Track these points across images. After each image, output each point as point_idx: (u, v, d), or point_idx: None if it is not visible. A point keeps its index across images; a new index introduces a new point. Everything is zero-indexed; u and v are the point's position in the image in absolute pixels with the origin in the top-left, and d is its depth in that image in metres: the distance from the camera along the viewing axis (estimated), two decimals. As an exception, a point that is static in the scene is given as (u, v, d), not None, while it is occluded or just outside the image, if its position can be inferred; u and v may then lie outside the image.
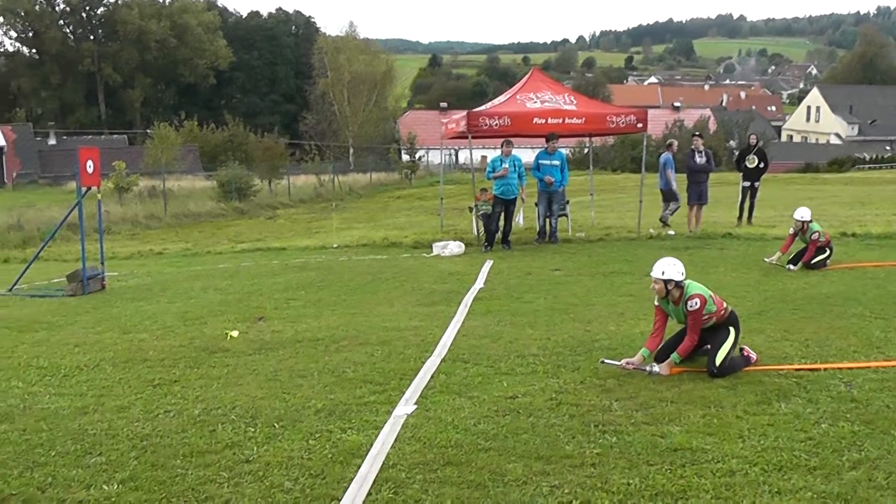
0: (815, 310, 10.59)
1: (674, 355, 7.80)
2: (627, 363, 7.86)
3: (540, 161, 18.94)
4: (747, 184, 21.16)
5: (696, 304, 7.75)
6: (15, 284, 15.25)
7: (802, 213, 14.15)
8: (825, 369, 7.70)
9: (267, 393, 7.57)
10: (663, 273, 7.86)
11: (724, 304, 8.05)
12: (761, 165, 21.16)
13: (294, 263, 17.57)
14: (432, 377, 7.88)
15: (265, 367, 8.56)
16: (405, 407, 6.96)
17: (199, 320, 11.40)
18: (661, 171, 20.53)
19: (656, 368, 7.75)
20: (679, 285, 7.86)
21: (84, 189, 15.05)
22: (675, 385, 7.36)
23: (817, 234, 13.95)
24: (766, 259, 14.54)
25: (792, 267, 13.95)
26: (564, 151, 20.13)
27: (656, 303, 8.11)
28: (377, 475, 5.57)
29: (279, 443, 6.26)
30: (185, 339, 10.19)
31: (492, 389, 7.40)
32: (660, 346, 7.99)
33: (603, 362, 8.06)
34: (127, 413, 7.16)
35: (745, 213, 21.07)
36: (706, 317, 7.84)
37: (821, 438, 6.00)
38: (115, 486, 5.57)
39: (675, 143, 21.59)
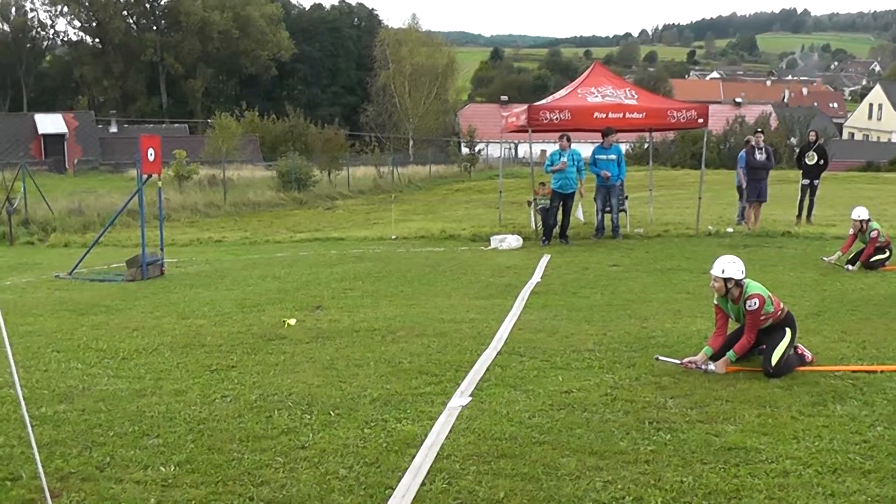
0: (872, 311, 10.43)
1: (730, 353, 7.73)
2: (690, 361, 7.80)
3: (596, 156, 18.86)
4: (806, 181, 20.86)
5: (755, 303, 7.67)
6: (75, 268, 15.52)
7: (860, 213, 13.94)
8: (882, 371, 7.59)
9: (323, 381, 7.63)
10: (723, 271, 7.80)
11: (782, 305, 7.97)
12: (821, 163, 20.84)
13: (352, 254, 17.68)
14: (488, 370, 7.89)
15: (322, 356, 8.63)
16: (460, 399, 6.98)
17: (257, 308, 11.52)
18: (738, 168, 20.38)
19: (712, 367, 7.68)
20: (739, 284, 7.79)
21: (145, 176, 15.27)
22: (731, 384, 7.30)
23: (876, 231, 13.74)
24: (824, 258, 14.33)
25: (850, 267, 13.74)
26: (624, 146, 20.01)
27: (715, 301, 8.05)
28: (431, 465, 5.60)
29: (335, 430, 6.31)
30: (243, 325, 10.31)
31: (547, 383, 7.39)
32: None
33: (657, 359, 8.02)
34: (184, 397, 7.27)
35: (805, 212, 20.77)
36: (763, 317, 7.76)
37: (876, 441, 5.91)
38: (172, 468, 5.66)
39: (753, 139, 21.12)
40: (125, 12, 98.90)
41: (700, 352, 7.87)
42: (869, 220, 13.86)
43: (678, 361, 7.89)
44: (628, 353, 8.39)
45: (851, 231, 14.12)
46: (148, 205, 15.36)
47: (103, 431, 6.41)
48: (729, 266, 7.80)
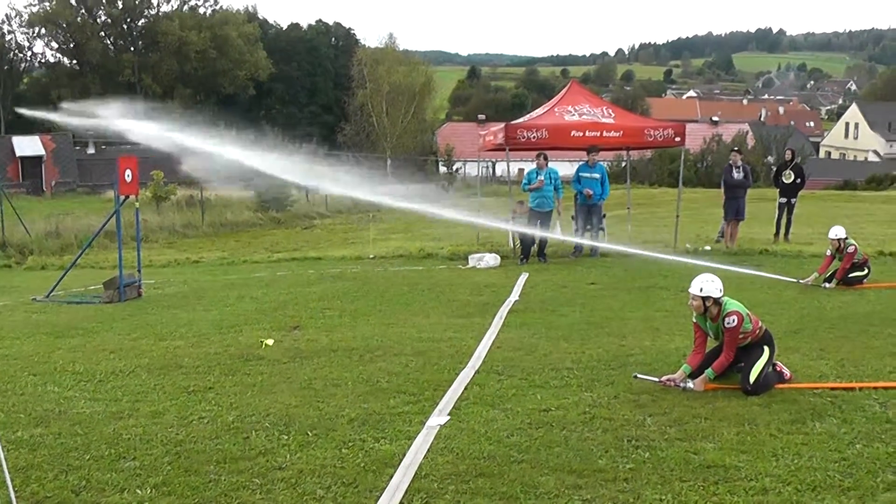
0: (851, 329, 10.48)
1: (708, 371, 7.75)
2: (668, 379, 7.80)
3: (581, 174, 18.91)
4: (784, 200, 20.97)
5: (734, 321, 7.69)
6: (52, 291, 15.42)
7: (837, 232, 14.01)
8: (860, 389, 7.61)
9: (301, 401, 7.60)
10: (701, 290, 7.82)
11: (760, 323, 7.99)
12: (798, 181, 20.96)
13: (330, 273, 17.63)
14: (466, 388, 7.88)
15: (300, 376, 8.60)
16: (438, 418, 6.96)
17: (235, 328, 11.47)
18: None
19: (690, 384, 7.69)
20: (717, 302, 7.81)
21: (122, 198, 15.20)
22: (709, 402, 7.31)
23: (853, 247, 13.82)
24: (801, 281, 14.33)
25: (827, 285, 13.80)
26: (602, 165, 20.07)
27: (694, 319, 8.07)
28: (409, 485, 5.58)
29: (312, 451, 6.29)
30: (221, 346, 10.26)
31: (525, 402, 7.39)
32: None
33: (636, 377, 8.03)
34: (161, 419, 7.22)
35: (782, 230, 20.87)
36: (742, 335, 7.78)
37: (855, 459, 5.93)
38: (149, 491, 5.62)
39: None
40: (102, 33, 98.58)
41: (679, 370, 7.88)
42: (846, 239, 13.93)
43: (657, 379, 7.89)
44: (607, 372, 8.39)
45: (829, 251, 14.18)
46: (125, 226, 15.28)
47: (79, 455, 6.36)
48: (707, 284, 7.82)
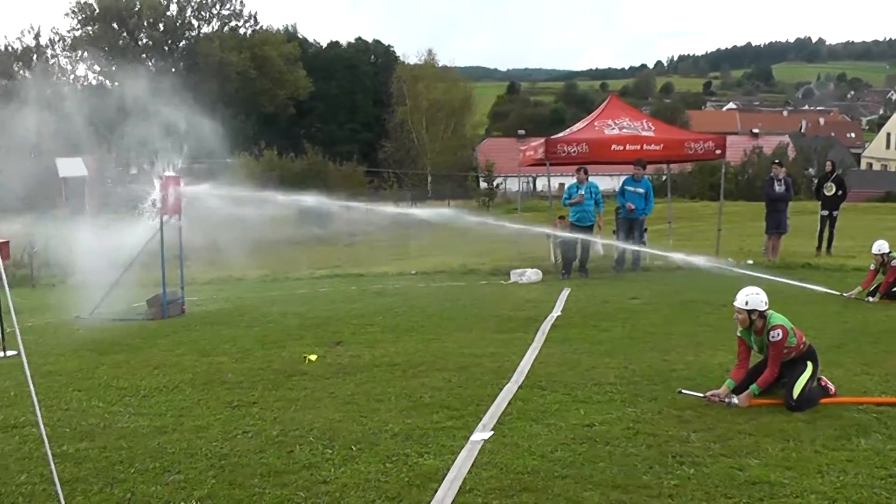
0: (895, 343, 10.33)
1: (753, 387, 7.67)
2: (713, 395, 7.74)
3: (625, 187, 18.84)
4: (826, 212, 20.76)
5: (779, 335, 7.62)
6: (96, 308, 15.56)
7: (880, 246, 13.83)
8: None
9: (344, 416, 7.63)
10: (747, 303, 7.76)
11: (804, 339, 7.91)
12: (839, 193, 20.76)
13: (372, 289, 17.70)
14: (509, 403, 7.87)
15: (343, 391, 8.63)
16: (482, 433, 6.96)
17: (278, 344, 11.53)
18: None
19: (735, 400, 7.63)
20: (762, 315, 7.75)
21: (165, 217, 15.34)
22: (754, 417, 7.24)
23: None
24: (844, 294, 14.16)
25: (871, 299, 13.63)
26: (648, 180, 20.00)
27: (738, 333, 8.00)
28: (454, 500, 5.58)
29: (356, 465, 6.31)
30: (264, 362, 10.32)
31: (569, 417, 7.36)
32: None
33: (680, 392, 7.98)
34: (206, 433, 7.28)
35: (825, 243, 20.65)
36: (786, 350, 7.71)
37: (902, 476, 5.85)
38: (194, 504, 5.66)
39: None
40: (144, 55, 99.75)
41: (723, 385, 7.81)
42: (889, 253, 13.77)
43: (701, 395, 7.84)
44: (650, 387, 8.34)
45: (872, 266, 14.01)
46: (168, 245, 15.40)
47: (124, 468, 6.43)
48: (752, 297, 7.76)
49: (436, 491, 5.73)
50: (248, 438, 7.07)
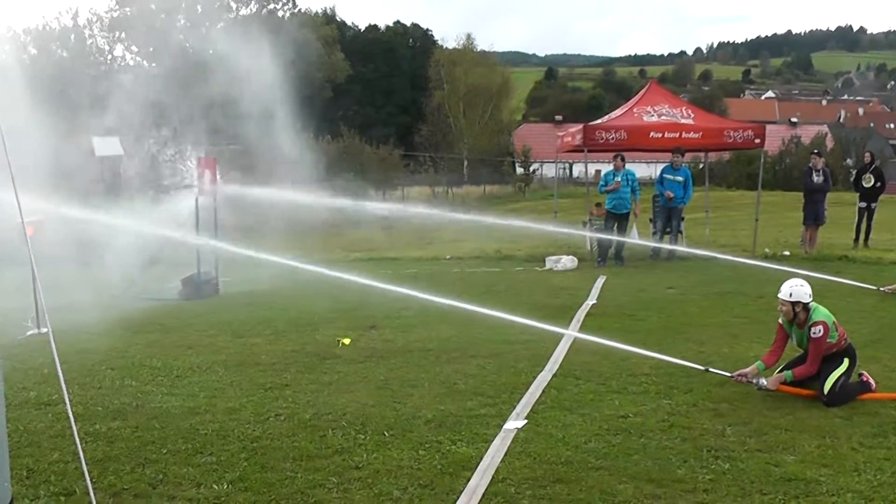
0: (933, 338, 10.19)
1: (788, 373, 7.62)
2: (741, 374, 7.76)
3: (664, 175, 18.72)
4: (864, 204, 20.53)
5: (820, 331, 7.52)
6: (130, 287, 15.67)
7: None
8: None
9: (377, 401, 7.62)
10: (791, 295, 7.67)
11: (846, 335, 7.81)
12: (878, 185, 20.51)
13: (406, 273, 17.69)
14: (543, 392, 7.83)
15: (376, 375, 8.62)
16: (516, 421, 6.92)
17: (311, 327, 11.56)
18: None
19: (763, 381, 7.62)
20: (806, 308, 7.66)
21: (202, 197, 15.41)
22: (790, 413, 7.16)
23: None
24: (881, 289, 13.96)
25: (910, 292, 13.46)
26: (688, 168, 19.84)
27: (780, 321, 7.93)
28: (486, 489, 5.55)
29: (389, 451, 6.29)
30: (297, 344, 10.35)
31: (603, 407, 7.32)
32: (776, 364, 7.85)
33: (707, 371, 8.06)
34: (238, 415, 7.29)
35: (862, 235, 20.41)
36: (826, 346, 7.61)
37: (938, 475, 5.76)
38: (225, 486, 5.68)
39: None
40: (181, 36, 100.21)
41: (752, 365, 7.79)
42: None
43: (729, 375, 7.86)
44: (685, 379, 8.26)
45: None
46: (203, 224, 15.48)
47: (156, 448, 6.45)
48: (797, 289, 7.67)
49: (468, 479, 5.70)
50: (280, 421, 7.08)
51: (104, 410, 7.53)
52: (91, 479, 5.22)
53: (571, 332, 10.55)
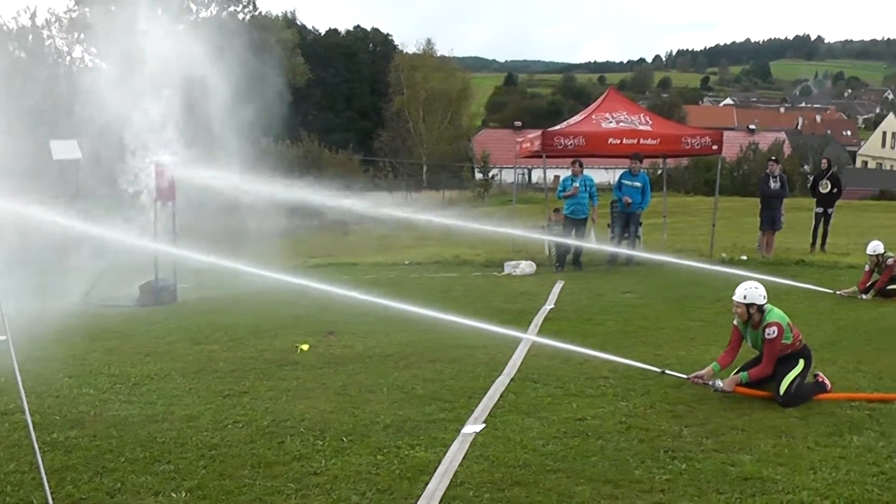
0: (889, 341, 10.40)
1: (743, 374, 7.76)
2: (696, 377, 7.87)
3: (622, 181, 18.84)
4: (820, 210, 20.81)
5: (774, 332, 7.64)
6: (88, 294, 15.52)
7: (875, 247, 13.86)
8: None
9: (336, 407, 7.61)
10: (745, 297, 7.81)
11: (801, 337, 7.93)
12: (834, 191, 20.80)
13: (365, 279, 17.66)
14: (501, 396, 7.86)
15: (334, 381, 8.61)
16: (474, 425, 6.95)
17: (270, 333, 11.50)
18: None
19: (720, 383, 7.75)
20: (761, 309, 7.79)
21: (159, 202, 15.30)
22: (746, 413, 7.25)
23: (893, 260, 13.67)
24: (838, 292, 14.17)
25: (865, 296, 13.67)
26: (646, 174, 19.98)
27: (735, 322, 8.05)
28: (444, 493, 5.57)
29: (347, 457, 6.29)
30: (255, 351, 10.30)
31: (561, 410, 7.36)
32: (731, 365, 7.98)
33: (665, 373, 8.14)
34: (196, 422, 7.25)
35: (819, 240, 20.68)
36: (781, 347, 7.72)
37: (893, 473, 5.89)
38: (183, 494, 5.65)
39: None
40: (141, 38, 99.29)
41: (708, 367, 7.90)
42: (885, 253, 13.78)
43: (686, 376, 7.96)
44: (643, 381, 8.33)
45: (867, 266, 14.02)
46: (161, 230, 15.37)
47: (114, 457, 6.40)
48: (751, 291, 7.81)
49: (427, 484, 5.72)
50: (238, 428, 7.05)
51: (62, 419, 7.45)
52: (49, 489, 5.18)
53: (530, 337, 10.60)
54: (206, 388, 8.52)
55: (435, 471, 5.94)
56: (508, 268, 18.15)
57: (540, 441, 6.55)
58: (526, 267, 17.99)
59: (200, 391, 8.38)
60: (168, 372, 9.29)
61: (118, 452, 6.50)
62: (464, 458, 6.20)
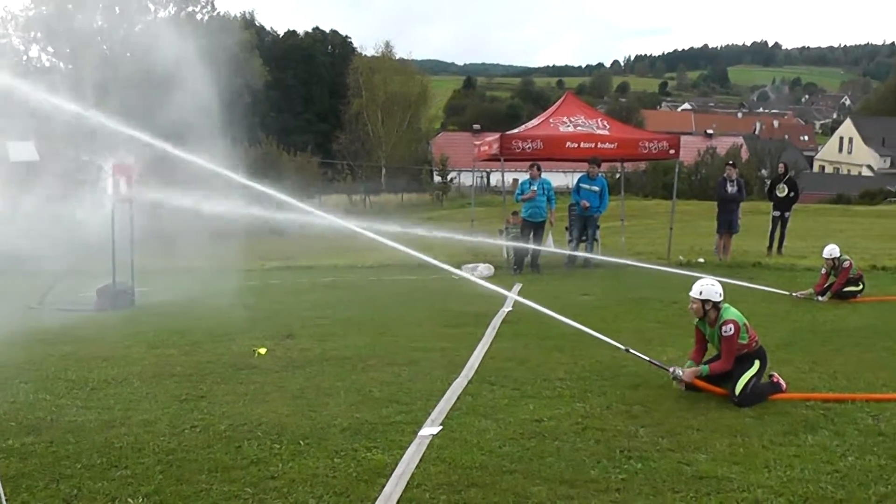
0: (844, 342, 10.52)
1: (704, 367, 7.89)
2: (675, 373, 8.03)
3: (580, 185, 18.95)
4: (777, 213, 21.06)
5: (731, 329, 7.75)
6: (45, 297, 15.36)
7: (831, 251, 14.07)
8: (853, 401, 7.64)
9: (293, 410, 7.59)
10: (701, 293, 7.95)
11: (757, 338, 8.04)
12: (791, 195, 21.06)
13: (323, 282, 17.63)
14: (458, 398, 7.88)
15: (292, 385, 8.59)
16: (431, 427, 6.96)
17: (227, 337, 11.44)
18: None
19: (679, 372, 7.89)
20: (716, 307, 7.92)
21: (118, 205, 15.17)
22: (702, 413, 7.33)
23: (849, 263, 13.89)
24: (794, 294, 14.37)
25: (821, 298, 13.86)
26: (604, 178, 20.12)
27: (695, 323, 8.20)
28: (401, 495, 5.57)
29: (304, 460, 6.28)
30: (213, 355, 10.24)
31: (517, 412, 7.39)
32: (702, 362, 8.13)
33: (628, 351, 8.46)
34: (153, 427, 7.19)
35: (776, 243, 20.94)
36: (737, 346, 7.82)
37: (847, 471, 5.96)
38: (140, 500, 5.60)
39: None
40: (99, 38, 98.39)
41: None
42: (840, 257, 13.99)
43: (648, 359, 8.31)
44: (599, 382, 8.40)
45: (824, 270, 14.23)
46: (119, 233, 15.24)
47: (71, 463, 6.33)
48: (707, 288, 7.95)
49: (384, 486, 5.72)
50: (196, 433, 7.01)
51: (17, 426, 7.34)
52: (4, 497, 5.12)
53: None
54: (163, 392, 8.46)
55: (392, 473, 5.94)
56: (467, 270, 18.16)
57: (497, 442, 6.57)
58: (484, 270, 18.04)
59: (158, 396, 8.32)
60: (126, 377, 9.20)
61: (75, 458, 6.43)
62: (421, 460, 6.21)
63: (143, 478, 6.00)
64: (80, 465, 6.28)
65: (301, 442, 6.68)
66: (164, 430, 7.09)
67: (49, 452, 6.60)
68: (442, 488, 5.68)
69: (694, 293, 8.01)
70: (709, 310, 7.96)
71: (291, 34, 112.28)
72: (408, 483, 5.76)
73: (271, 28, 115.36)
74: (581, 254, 18.95)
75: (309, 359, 9.84)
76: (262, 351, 10.21)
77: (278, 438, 6.78)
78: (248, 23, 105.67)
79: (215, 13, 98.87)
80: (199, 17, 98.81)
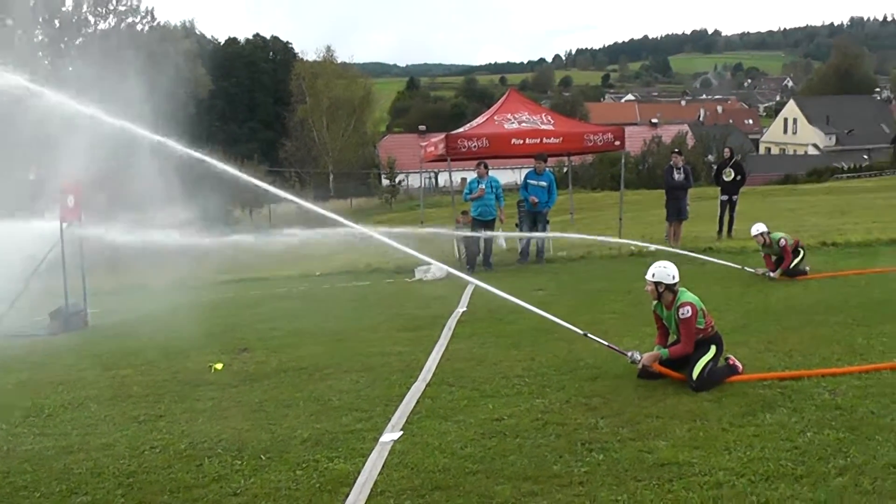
0: (797, 320, 10.67)
1: (663, 350, 8.00)
2: (632, 357, 8.09)
3: (528, 181, 19.00)
4: (725, 197, 21.27)
5: (688, 311, 7.85)
6: (-2, 323, 15.09)
7: (758, 227, 14.37)
8: (809, 378, 7.76)
9: (253, 424, 7.54)
10: (654, 275, 8.05)
11: (713, 323, 8.14)
12: (738, 178, 21.28)
13: (277, 293, 17.53)
14: (418, 402, 7.87)
15: (250, 399, 8.53)
16: (391, 433, 6.95)
17: (182, 354, 11.32)
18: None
19: (638, 356, 7.97)
20: (671, 289, 8.01)
21: (66, 224, 14.97)
22: (661, 400, 7.39)
23: (783, 239, 14.11)
24: (747, 269, 14.61)
25: (772, 274, 14.06)
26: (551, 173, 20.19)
27: (653, 308, 8.33)
28: (365, 503, 5.56)
29: (266, 474, 6.24)
30: (169, 373, 10.13)
31: (477, 412, 7.40)
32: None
33: (587, 336, 8.50)
34: (112, 450, 7.10)
35: (725, 227, 21.15)
36: (696, 330, 7.91)
37: (806, 447, 6.05)
38: (101, 525, 5.54)
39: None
40: (40, 53, 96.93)
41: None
42: (769, 232, 14.21)
43: (606, 344, 8.36)
44: (557, 377, 8.44)
45: (761, 251, 14.51)
46: (69, 253, 15.04)
47: (29, 493, 6.24)
48: (659, 270, 8.05)
49: (347, 495, 5.70)
50: (155, 454, 6.94)
51: (-28, 458, 7.24)
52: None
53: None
54: (121, 414, 8.36)
55: (355, 482, 5.92)
56: (419, 273, 18.16)
57: (458, 444, 6.58)
58: (436, 271, 17.99)
59: (115, 418, 8.22)
60: (82, 400, 9.08)
61: (33, 488, 6.34)
62: (383, 466, 6.20)
63: (103, 503, 5.94)
64: (39, 494, 6.20)
65: (262, 456, 6.64)
66: (124, 453, 7.01)
67: (6, 483, 6.50)
68: (406, 493, 5.68)
69: (648, 276, 8.14)
70: (662, 292, 8.06)
71: (232, 41, 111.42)
72: (371, 490, 5.76)
73: (212, 36, 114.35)
74: (536, 235, 18.90)
75: (266, 371, 9.78)
76: (219, 366, 10.13)
77: (239, 454, 6.73)
78: (189, 31, 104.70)
79: (155, 23, 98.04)
80: (139, 27, 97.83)
